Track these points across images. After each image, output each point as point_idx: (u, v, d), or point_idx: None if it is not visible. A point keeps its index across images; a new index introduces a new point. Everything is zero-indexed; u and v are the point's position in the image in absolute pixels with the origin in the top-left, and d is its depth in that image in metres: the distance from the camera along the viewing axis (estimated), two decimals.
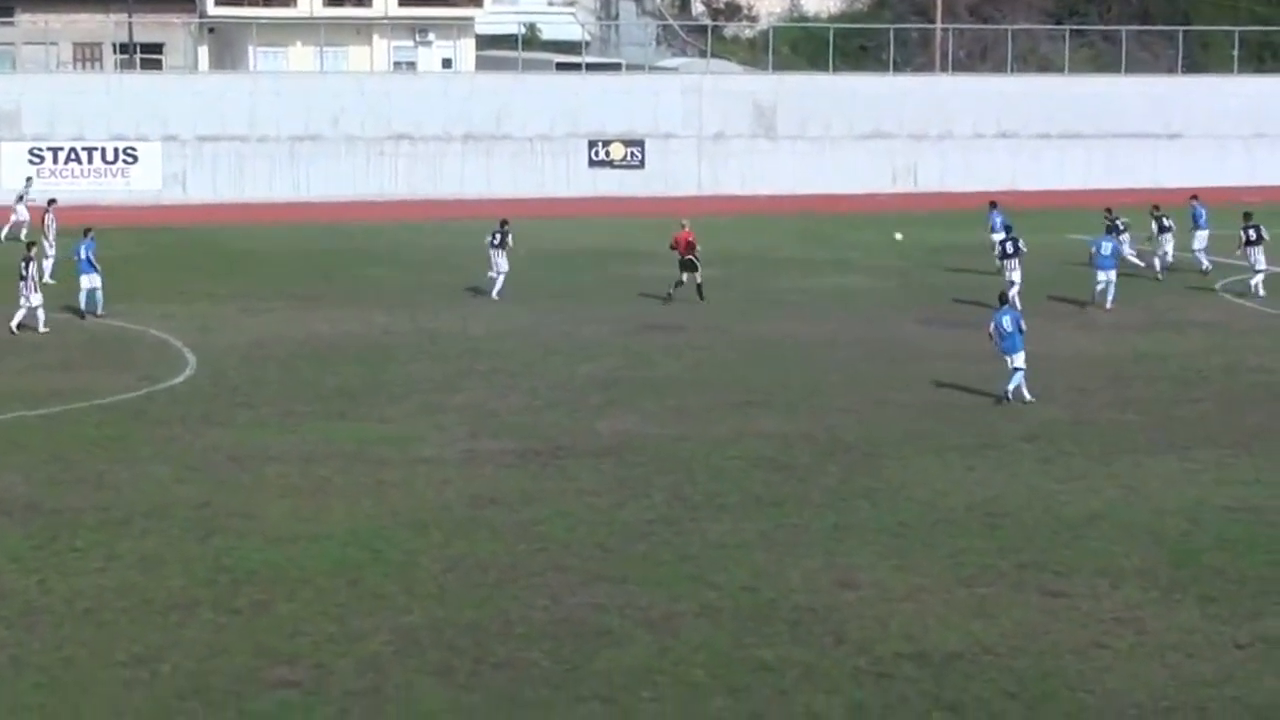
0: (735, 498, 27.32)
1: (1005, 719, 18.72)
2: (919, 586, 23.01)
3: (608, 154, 77.71)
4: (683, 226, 48.28)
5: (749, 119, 79.00)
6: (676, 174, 77.76)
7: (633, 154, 77.78)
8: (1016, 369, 34.72)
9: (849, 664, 20.25)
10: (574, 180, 76.62)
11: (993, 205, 56.21)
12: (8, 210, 59.69)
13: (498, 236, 48.14)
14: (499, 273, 47.93)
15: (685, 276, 47.56)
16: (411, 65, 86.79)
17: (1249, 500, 27.38)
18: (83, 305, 44.14)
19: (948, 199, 76.27)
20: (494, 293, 47.48)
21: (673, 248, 48.28)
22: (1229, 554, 24.55)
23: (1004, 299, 37.28)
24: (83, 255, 44.25)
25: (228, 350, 39.74)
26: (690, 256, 47.60)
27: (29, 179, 64.13)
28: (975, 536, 25.31)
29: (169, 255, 56.51)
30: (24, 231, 57.18)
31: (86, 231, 45.06)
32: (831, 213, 70.73)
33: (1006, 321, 35.13)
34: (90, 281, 44.24)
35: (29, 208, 58.39)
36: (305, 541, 24.76)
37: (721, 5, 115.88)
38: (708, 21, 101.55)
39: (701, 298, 47.32)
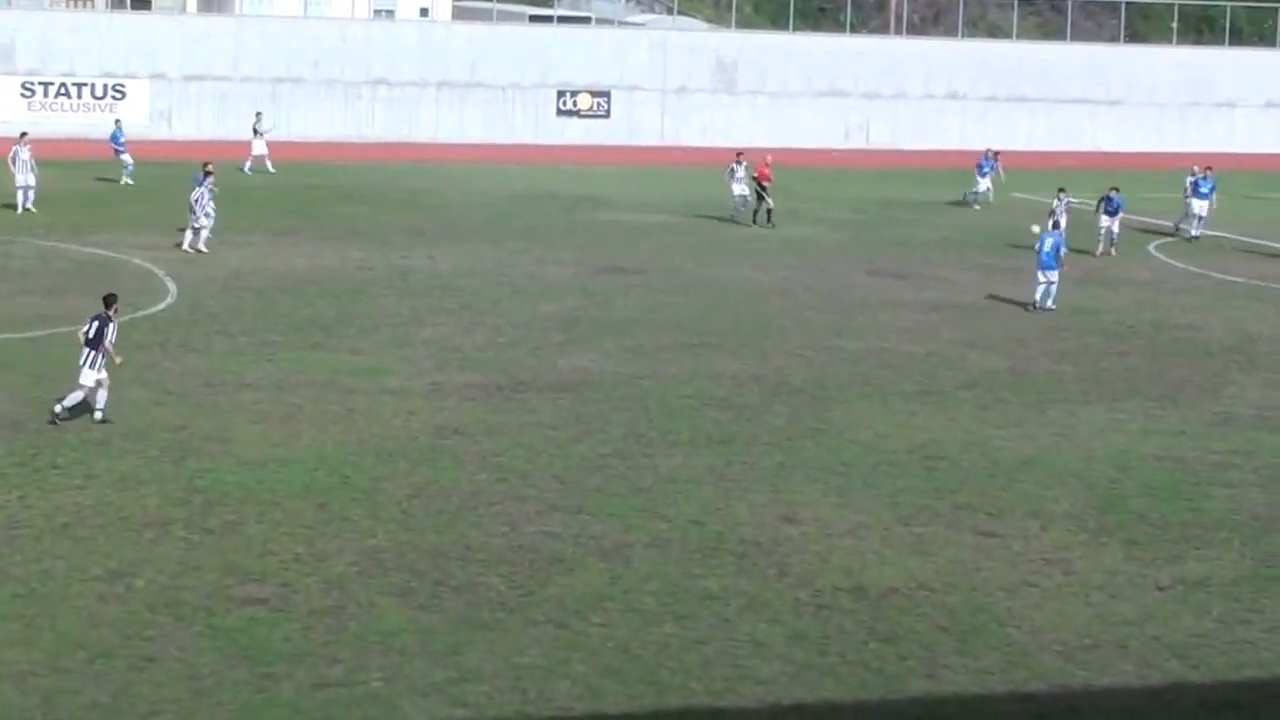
0: (687, 435, 27.25)
1: (938, 651, 18.71)
2: (859, 524, 22.99)
3: (575, 104, 77.36)
4: (766, 161, 52.84)
5: (711, 74, 78.70)
6: (640, 125, 77.49)
7: (599, 104, 77.45)
8: (1049, 283, 39.39)
9: (791, 596, 20.22)
10: (543, 128, 76.27)
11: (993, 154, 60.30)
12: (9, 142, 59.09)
13: None
14: None
15: (760, 204, 52.49)
16: (391, 13, 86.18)
17: (1173, 450, 27.43)
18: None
19: (898, 156, 76.23)
20: None
21: (755, 177, 52.87)
22: (1153, 500, 24.59)
23: (1056, 225, 41.60)
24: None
25: (207, 281, 39.46)
26: (766, 184, 52.36)
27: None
28: (914, 478, 25.30)
29: (154, 189, 56.00)
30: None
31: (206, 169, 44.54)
32: (787, 165, 70.46)
33: (1048, 243, 39.50)
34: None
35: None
36: (276, 465, 24.62)
37: None
38: None
39: (770, 223, 52.02)
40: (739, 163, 53.99)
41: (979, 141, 79.87)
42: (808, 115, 78.94)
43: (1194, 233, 52.47)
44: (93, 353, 26.44)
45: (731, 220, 52.84)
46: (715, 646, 18.64)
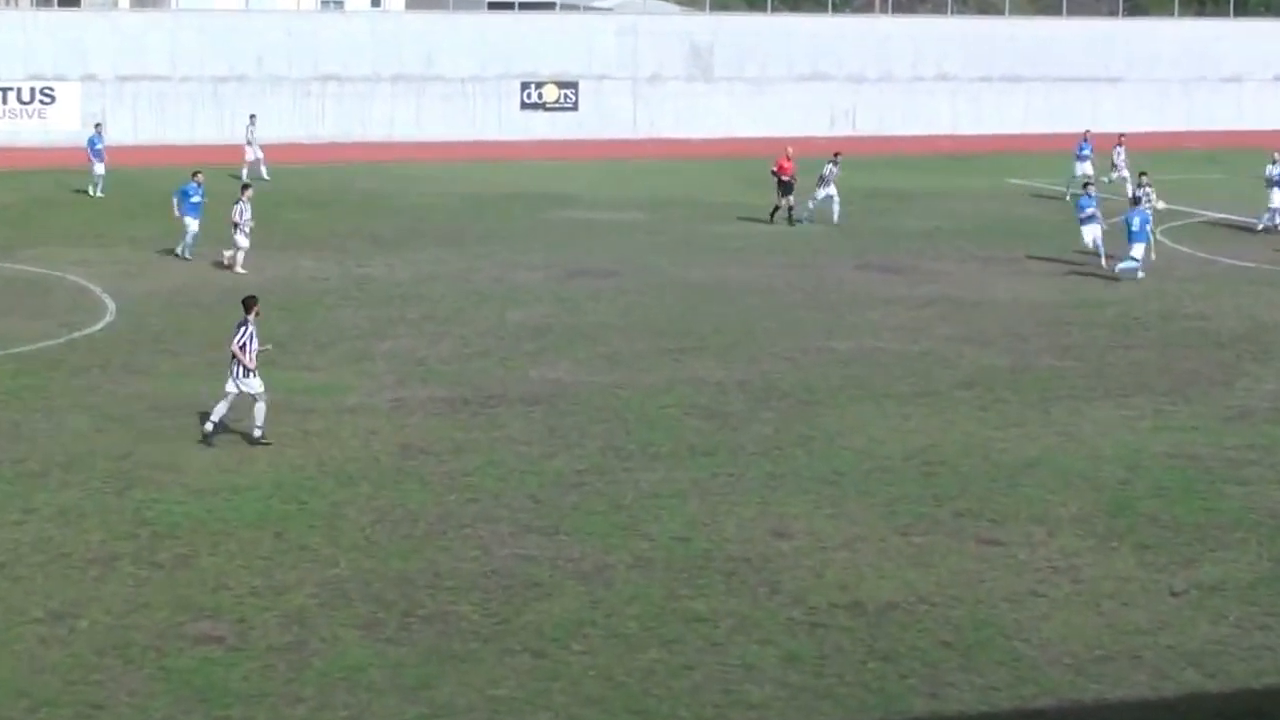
0: (668, 446, 27.35)
1: (941, 668, 18.83)
2: (854, 535, 23.11)
3: (541, 96, 77.43)
4: (787, 154, 52.63)
5: (685, 60, 78.85)
6: (611, 116, 77.59)
7: (566, 96, 77.53)
8: (1131, 257, 42.60)
9: (783, 614, 20.33)
10: (506, 123, 76.34)
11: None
12: None
13: None
14: None
15: (783, 200, 52.22)
16: (340, 3, 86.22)
17: (1185, 447, 27.61)
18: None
19: (886, 142, 76.43)
20: None
21: (775, 172, 52.73)
22: (1165, 501, 24.76)
23: (1135, 200, 44.87)
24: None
25: (149, 297, 39.48)
26: (786, 178, 52.14)
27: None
28: (911, 485, 25.43)
29: (88, 199, 56.03)
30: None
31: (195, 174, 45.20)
32: (769, 155, 70.62)
33: (1136, 221, 42.84)
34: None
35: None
36: (229, 493, 24.67)
37: None
38: None
39: (790, 223, 51.91)
40: (835, 161, 53.25)
41: (971, 126, 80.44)
42: (790, 102, 79.14)
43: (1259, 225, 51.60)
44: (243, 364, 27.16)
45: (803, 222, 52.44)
46: (704, 671, 18.73)
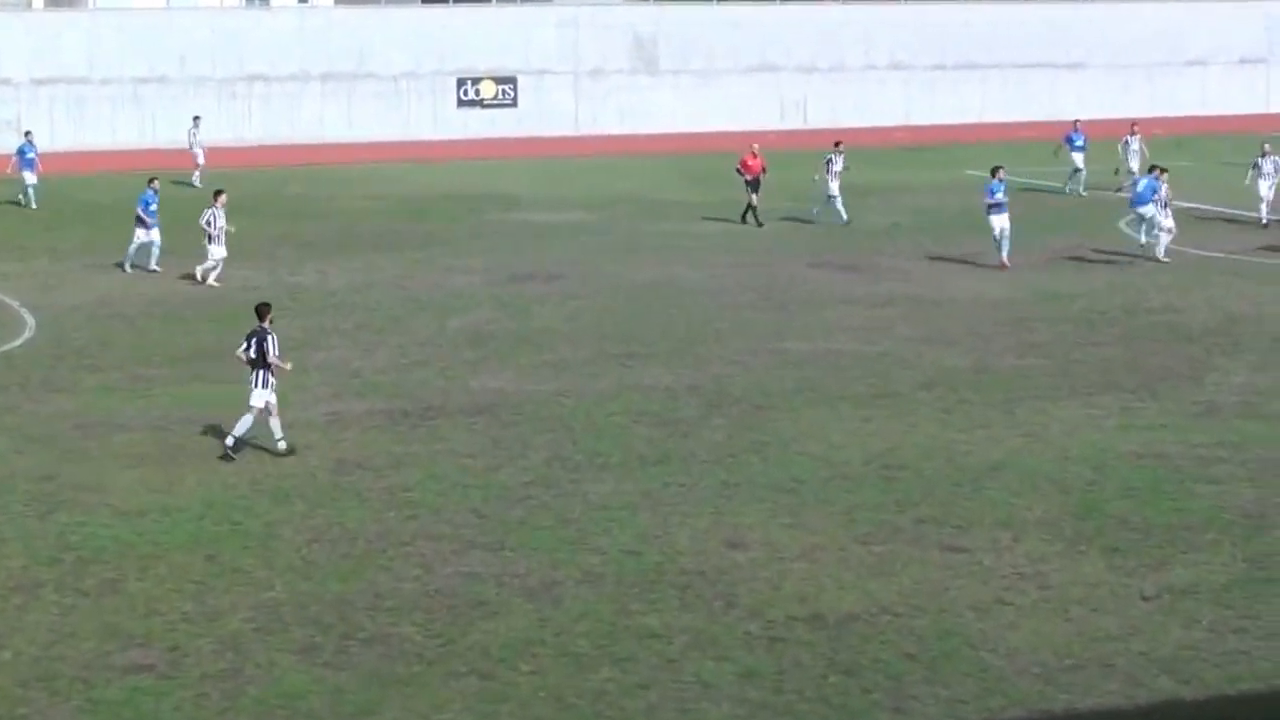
0: (617, 456, 27.35)
1: (905, 681, 18.87)
2: (813, 545, 23.13)
3: (478, 93, 77.44)
4: (752, 150, 52.51)
5: (628, 53, 78.98)
6: (552, 113, 77.64)
7: (504, 92, 77.55)
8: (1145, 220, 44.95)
9: (740, 629, 20.33)
10: (442, 121, 76.34)
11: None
12: None
13: None
14: None
15: (754, 198, 52.31)
16: (265, 0, 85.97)
17: (1154, 446, 27.74)
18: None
19: (839, 135, 76.47)
20: None
21: (740, 170, 52.55)
22: (1134, 502, 24.86)
23: (1154, 167, 46.86)
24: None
25: (71, 310, 39.31)
26: (751, 176, 51.96)
27: None
28: (871, 491, 25.48)
29: (1, 209, 55.76)
30: None
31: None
32: (717, 151, 70.77)
33: (1142, 184, 45.54)
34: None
35: None
36: (157, 514, 24.55)
37: None
38: None
39: (759, 224, 51.76)
40: (838, 151, 53.19)
41: (926, 116, 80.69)
42: (738, 94, 79.33)
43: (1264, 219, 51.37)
44: (262, 371, 27.26)
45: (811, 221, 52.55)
46: (659, 690, 18.72)
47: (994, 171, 45.19)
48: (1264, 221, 51.07)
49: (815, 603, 21.12)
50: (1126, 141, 59.01)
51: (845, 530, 23.74)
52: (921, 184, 61.20)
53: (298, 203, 56.89)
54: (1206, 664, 19.22)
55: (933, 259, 45.81)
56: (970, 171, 60.91)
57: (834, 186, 52.43)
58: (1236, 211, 52.84)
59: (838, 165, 52.71)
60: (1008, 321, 37.72)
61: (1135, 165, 56.38)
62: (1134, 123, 61.21)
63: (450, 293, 41.43)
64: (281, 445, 27.26)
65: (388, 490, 25.67)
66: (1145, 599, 21.19)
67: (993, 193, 44.56)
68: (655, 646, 19.85)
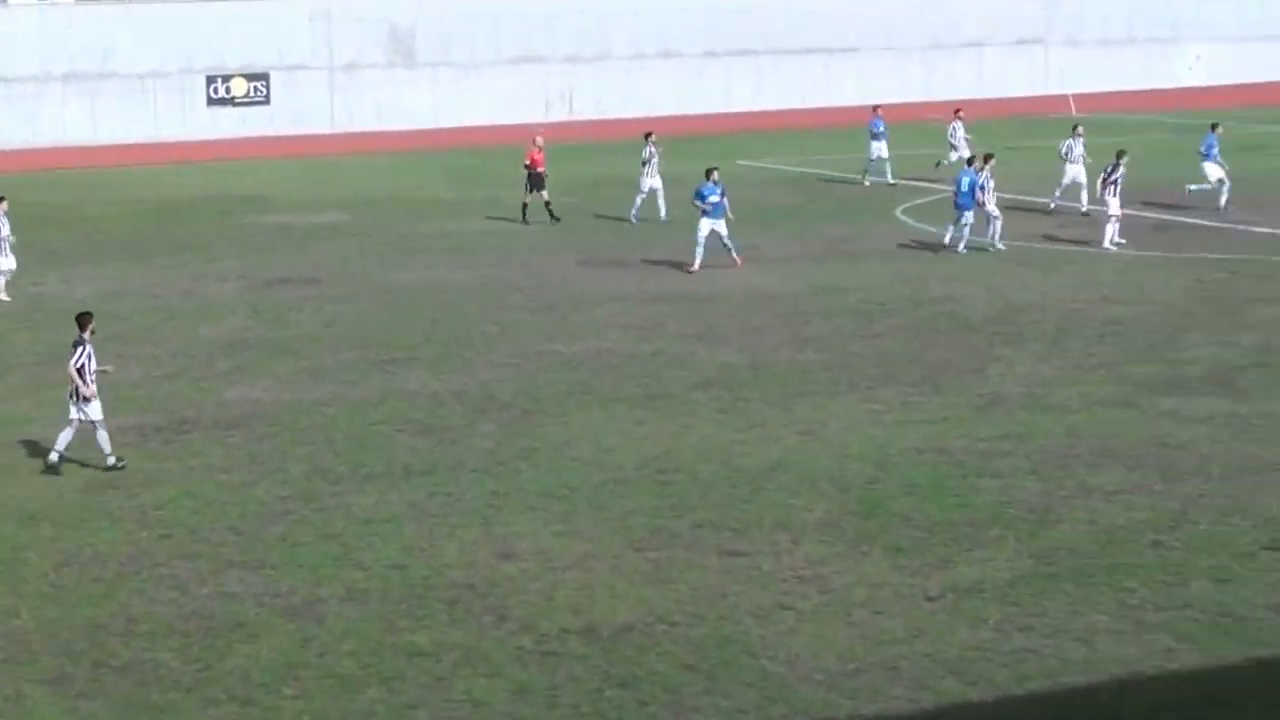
0: (381, 466, 27.20)
1: (684, 693, 18.93)
2: (586, 554, 23.15)
3: (229, 90, 76.75)
4: (536, 144, 51.84)
5: (385, 46, 78.66)
6: (306, 110, 77.19)
7: (256, 89, 76.93)
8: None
9: (512, 644, 20.29)
10: (191, 121, 75.57)
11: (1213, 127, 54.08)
12: None
13: None
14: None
15: (531, 196, 51.92)
16: None
17: (936, 440, 28.10)
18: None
19: (606, 127, 76.85)
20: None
21: (527, 166, 51.90)
22: (916, 499, 25.16)
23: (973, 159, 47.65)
24: None
25: None
26: (541, 172, 51.51)
27: None
28: (646, 496, 25.55)
29: None
30: None
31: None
32: (480, 146, 70.74)
33: (964, 182, 45.29)
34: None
35: None
36: None
37: None
38: None
39: (554, 217, 51.57)
40: (652, 142, 52.43)
41: (696, 105, 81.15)
42: (500, 87, 79.35)
43: (1084, 209, 51.44)
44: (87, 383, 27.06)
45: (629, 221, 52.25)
46: (428, 710, 18.63)
47: (708, 173, 44.35)
48: (1224, 202, 51.35)
49: (589, 614, 21.13)
50: (954, 129, 59.30)
51: (619, 537, 23.78)
52: (691, 175, 61.41)
53: (40, 209, 55.88)
54: (994, 664, 19.48)
55: (704, 252, 46.03)
56: (744, 162, 61.38)
57: (651, 182, 52.15)
58: (1020, 196, 53.64)
59: (654, 159, 52.25)
60: (782, 315, 38.04)
61: (968, 153, 56.23)
62: (958, 108, 61.53)
63: (203, 300, 40.98)
64: (110, 460, 27.10)
65: (140, 509, 25.31)
66: (930, 599, 21.44)
67: (704, 197, 43.77)
68: (424, 664, 19.75)
